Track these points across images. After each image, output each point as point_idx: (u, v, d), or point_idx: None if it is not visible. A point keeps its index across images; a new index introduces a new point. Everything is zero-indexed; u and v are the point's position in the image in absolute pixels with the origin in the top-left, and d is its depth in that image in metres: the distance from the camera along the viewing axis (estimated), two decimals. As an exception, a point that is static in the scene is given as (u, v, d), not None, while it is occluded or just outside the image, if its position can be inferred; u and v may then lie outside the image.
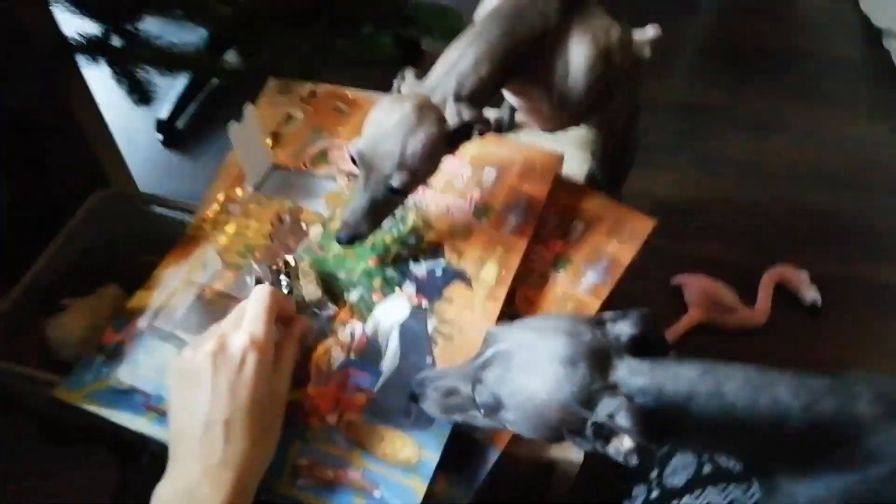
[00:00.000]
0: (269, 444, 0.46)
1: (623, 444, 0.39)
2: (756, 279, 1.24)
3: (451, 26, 1.04)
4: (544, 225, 0.67)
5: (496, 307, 0.58)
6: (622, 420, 0.38)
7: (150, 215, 0.92)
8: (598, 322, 0.45)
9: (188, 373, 0.45)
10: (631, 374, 0.41)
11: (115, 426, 0.50)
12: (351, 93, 0.76)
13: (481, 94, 0.53)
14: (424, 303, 0.57)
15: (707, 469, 0.62)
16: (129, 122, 1.39)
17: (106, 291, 0.84)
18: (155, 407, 0.50)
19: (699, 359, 0.43)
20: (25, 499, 0.82)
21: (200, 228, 0.62)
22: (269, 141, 0.69)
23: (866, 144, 1.54)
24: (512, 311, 0.60)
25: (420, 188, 0.65)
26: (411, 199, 0.65)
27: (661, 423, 0.40)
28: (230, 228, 0.62)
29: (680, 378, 0.41)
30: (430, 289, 0.58)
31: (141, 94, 1.04)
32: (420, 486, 0.48)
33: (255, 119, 0.64)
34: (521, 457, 0.56)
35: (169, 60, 0.98)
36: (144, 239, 0.74)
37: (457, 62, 0.53)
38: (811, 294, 1.23)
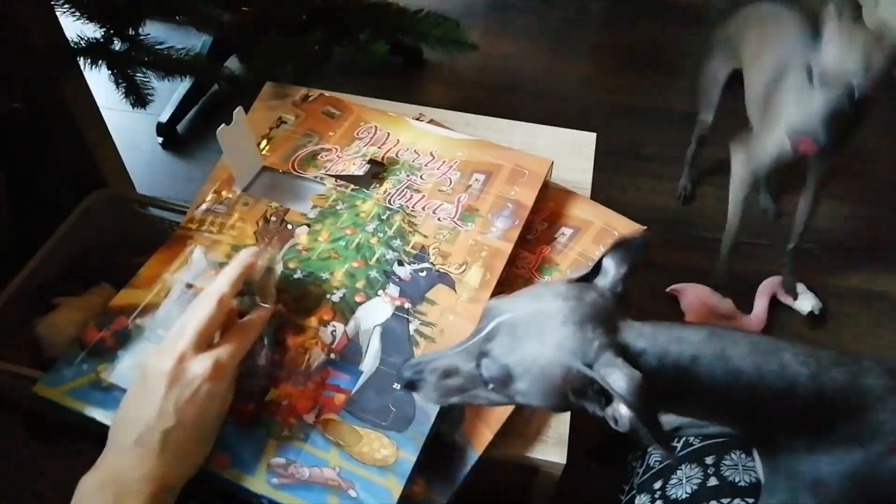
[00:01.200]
0: (198, 459, 0.47)
1: (619, 409, 0.38)
2: (753, 288, 1.24)
3: (447, 35, 1.05)
4: (531, 230, 0.67)
5: (479, 309, 0.57)
6: (617, 381, 0.37)
7: (147, 217, 0.92)
8: (585, 278, 0.44)
9: (145, 379, 0.46)
10: (634, 335, 0.41)
11: (98, 424, 0.50)
12: (343, 98, 0.77)
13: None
14: (407, 304, 0.57)
15: (712, 482, 0.61)
16: (129, 124, 1.41)
17: (98, 291, 0.84)
18: (134, 403, 0.50)
19: (697, 324, 0.43)
20: (13, 497, 0.82)
21: (187, 228, 0.62)
22: (262, 143, 0.70)
23: (865, 151, 1.53)
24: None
25: (407, 192, 0.66)
26: (398, 202, 0.65)
27: (664, 386, 0.39)
28: (216, 228, 0.62)
29: (685, 341, 0.41)
30: (414, 291, 0.58)
31: (138, 97, 1.05)
32: (396, 486, 0.48)
33: (245, 122, 0.65)
34: (502, 459, 0.56)
35: (169, 65, 0.99)
36: (141, 240, 0.74)
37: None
38: (811, 302, 1.22)
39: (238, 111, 0.64)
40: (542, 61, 1.78)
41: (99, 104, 1.05)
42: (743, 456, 0.62)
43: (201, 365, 0.46)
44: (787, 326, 1.23)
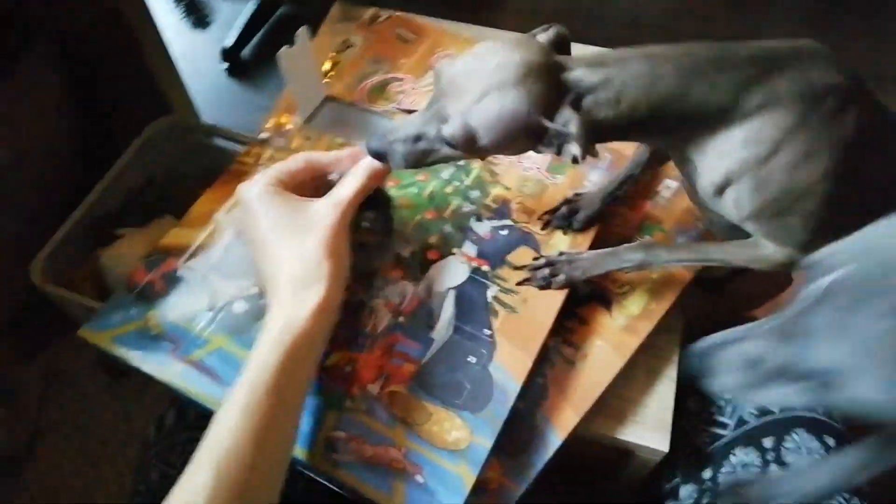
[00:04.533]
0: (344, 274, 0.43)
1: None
2: None
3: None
4: (632, 183, 0.58)
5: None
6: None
7: (212, 147, 0.87)
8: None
9: (296, 214, 0.43)
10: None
11: (144, 374, 0.46)
12: (420, 19, 0.67)
13: (615, 125, 0.40)
14: (486, 267, 0.50)
15: (772, 470, 0.54)
16: (194, 49, 1.34)
17: (162, 222, 0.81)
18: (183, 357, 0.46)
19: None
20: (74, 427, 0.82)
21: (243, 162, 0.56)
22: (325, 69, 0.62)
23: None
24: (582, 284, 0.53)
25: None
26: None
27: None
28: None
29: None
30: (493, 252, 0.51)
31: (198, 17, 0.98)
32: (469, 475, 0.42)
33: (308, 45, 0.57)
34: (592, 439, 0.50)
35: None
36: (204, 170, 0.69)
37: (623, 67, 0.40)
38: None
39: (302, 31, 0.56)
40: None
41: (161, 27, 0.98)
42: (807, 435, 0.54)
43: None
44: None
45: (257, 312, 0.48)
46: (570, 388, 0.48)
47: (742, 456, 0.56)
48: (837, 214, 0.43)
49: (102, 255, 0.78)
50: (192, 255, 0.50)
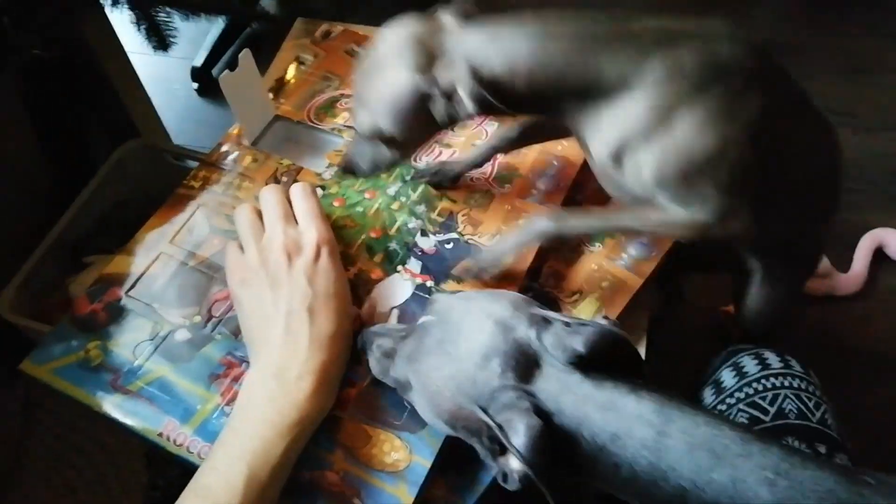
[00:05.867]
0: (349, 332, 0.45)
1: (510, 464, 0.32)
2: (852, 242, 1.09)
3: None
4: (581, 190, 0.57)
5: (514, 288, 0.49)
6: (516, 435, 0.31)
7: (182, 169, 0.87)
8: (543, 319, 0.36)
9: (258, 271, 0.45)
10: (558, 389, 0.33)
11: (84, 406, 0.45)
12: (371, 32, 0.67)
13: (510, 94, 0.40)
14: (430, 282, 0.50)
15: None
16: (163, 70, 1.35)
17: (131, 248, 0.81)
18: (123, 387, 0.45)
19: (658, 394, 0.33)
20: (52, 455, 0.83)
21: (189, 187, 0.56)
22: (275, 88, 0.62)
23: None
24: (537, 287, 0.52)
25: (436, 147, 0.57)
26: (424, 159, 0.56)
27: (578, 454, 0.32)
28: (222, 188, 0.55)
29: (616, 410, 0.32)
30: (438, 266, 0.50)
31: (159, 39, 0.98)
32: (407, 496, 0.42)
33: (253, 67, 0.57)
34: None
35: (195, 3, 0.91)
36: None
37: (515, 35, 0.40)
38: None
39: (244, 54, 0.56)
40: None
41: (129, 50, 0.98)
42: (798, 444, 0.53)
43: (309, 234, 0.46)
44: (888, 286, 1.08)
45: (200, 341, 0.47)
46: (517, 402, 0.47)
47: None
48: (761, 184, 0.44)
49: (71, 283, 0.78)
50: (136, 284, 0.50)
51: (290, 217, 0.48)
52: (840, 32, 1.44)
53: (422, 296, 0.49)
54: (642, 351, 0.53)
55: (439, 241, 0.52)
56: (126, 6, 0.89)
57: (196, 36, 1.42)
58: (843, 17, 1.47)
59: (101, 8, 0.86)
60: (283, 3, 1.33)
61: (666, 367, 0.62)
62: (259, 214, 0.49)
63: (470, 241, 0.52)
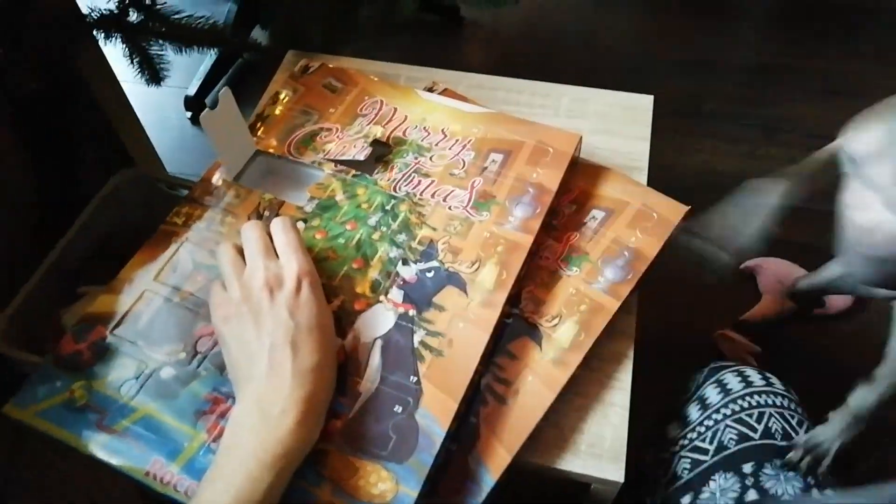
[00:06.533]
0: (333, 363, 0.46)
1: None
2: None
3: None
4: (557, 214, 0.59)
5: (493, 315, 0.50)
6: None
7: (176, 198, 0.88)
8: None
9: (240, 307, 0.46)
10: None
11: (70, 448, 0.46)
12: (348, 66, 0.68)
13: None
14: (412, 311, 0.51)
15: (751, 496, 0.54)
16: (157, 99, 1.36)
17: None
18: (108, 427, 0.46)
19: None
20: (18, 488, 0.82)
21: (173, 223, 0.57)
22: (257, 123, 0.63)
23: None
24: (517, 312, 0.53)
25: (415, 177, 0.58)
26: (404, 189, 0.58)
27: None
28: (205, 224, 0.56)
29: None
30: (420, 295, 0.51)
31: (152, 72, 0.99)
32: (395, 527, 0.42)
33: (232, 104, 0.58)
34: (545, 474, 0.50)
35: (188, 36, 0.92)
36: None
37: None
38: None
39: (224, 93, 0.57)
40: (591, 12, 1.63)
41: (123, 79, 0.99)
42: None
43: (290, 267, 0.47)
44: (883, 306, 1.10)
45: (185, 378, 0.48)
46: (501, 426, 0.48)
47: (721, 481, 0.56)
48: None
49: (64, 314, 0.78)
50: (121, 322, 0.51)
51: (271, 251, 0.49)
52: (819, 55, 1.48)
53: (404, 325, 0.50)
54: (628, 378, 0.54)
55: (420, 270, 0.53)
56: (119, 39, 0.90)
57: (190, 65, 1.43)
58: (822, 40, 1.52)
59: (95, 41, 0.88)
60: (274, 35, 1.35)
61: (651, 387, 0.63)
62: (240, 251, 0.50)
63: (451, 269, 0.53)
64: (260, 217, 0.56)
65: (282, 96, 0.65)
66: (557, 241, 0.58)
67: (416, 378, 0.47)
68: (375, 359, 0.48)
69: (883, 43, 1.49)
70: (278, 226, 0.50)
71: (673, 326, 0.94)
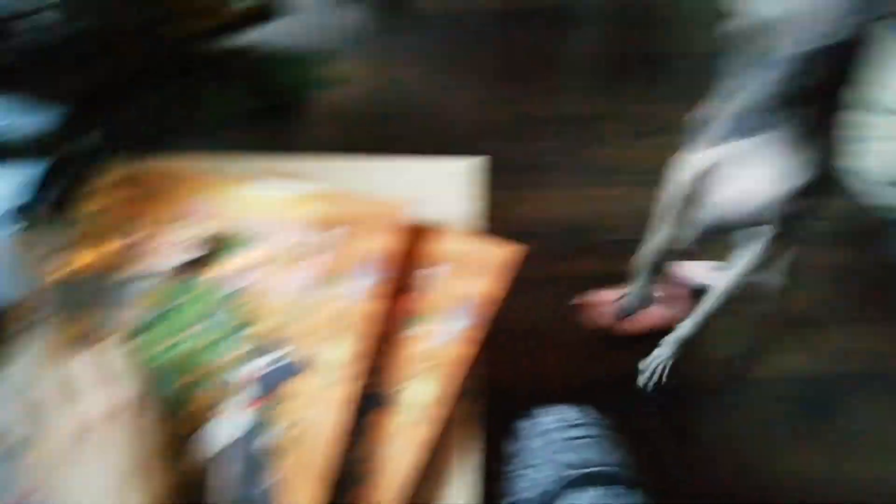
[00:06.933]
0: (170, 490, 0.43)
1: None
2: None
3: (303, 76, 0.97)
4: (399, 280, 0.60)
5: (346, 391, 0.50)
6: None
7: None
8: None
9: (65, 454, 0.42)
10: None
11: None
12: (177, 165, 0.67)
13: None
14: (263, 406, 0.49)
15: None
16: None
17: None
18: None
19: None
20: None
21: (-17, 371, 0.51)
22: (69, 242, 0.60)
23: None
24: (369, 384, 0.53)
25: (250, 269, 0.57)
26: (237, 284, 0.56)
27: None
28: (22, 362, 0.51)
29: None
30: (268, 388, 0.50)
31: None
32: None
33: (39, 236, 0.54)
34: None
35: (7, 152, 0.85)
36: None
37: None
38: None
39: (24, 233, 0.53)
40: (434, 86, 1.72)
41: None
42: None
43: (107, 400, 0.44)
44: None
45: None
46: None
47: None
48: None
49: None
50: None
51: (88, 386, 0.45)
52: (629, 101, 1.66)
53: (258, 423, 0.48)
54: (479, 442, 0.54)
55: (266, 363, 0.51)
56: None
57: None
58: (635, 86, 1.70)
59: None
60: (108, 137, 1.28)
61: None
62: (61, 388, 0.46)
63: (296, 355, 0.52)
64: (84, 344, 0.52)
65: (99, 208, 0.62)
66: (400, 305, 0.59)
67: (275, 478, 0.45)
68: (233, 468, 0.46)
69: (681, 85, 1.70)
70: (95, 356, 0.47)
71: (521, 377, 0.98)
